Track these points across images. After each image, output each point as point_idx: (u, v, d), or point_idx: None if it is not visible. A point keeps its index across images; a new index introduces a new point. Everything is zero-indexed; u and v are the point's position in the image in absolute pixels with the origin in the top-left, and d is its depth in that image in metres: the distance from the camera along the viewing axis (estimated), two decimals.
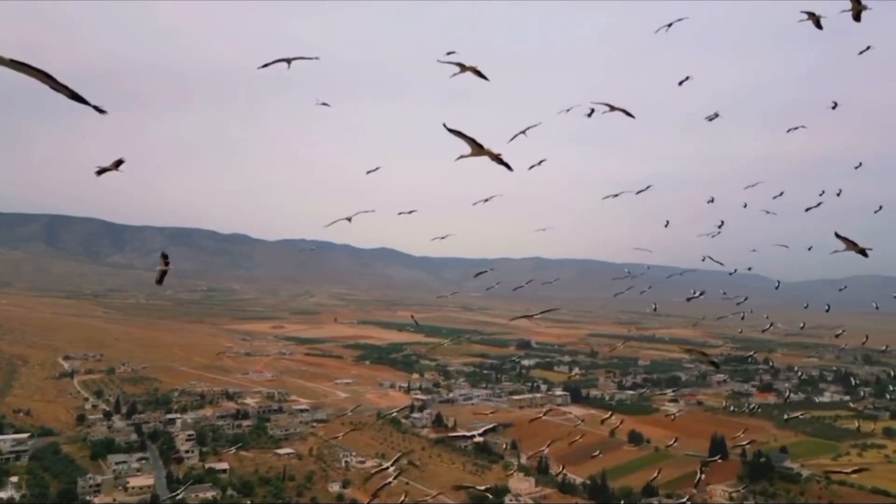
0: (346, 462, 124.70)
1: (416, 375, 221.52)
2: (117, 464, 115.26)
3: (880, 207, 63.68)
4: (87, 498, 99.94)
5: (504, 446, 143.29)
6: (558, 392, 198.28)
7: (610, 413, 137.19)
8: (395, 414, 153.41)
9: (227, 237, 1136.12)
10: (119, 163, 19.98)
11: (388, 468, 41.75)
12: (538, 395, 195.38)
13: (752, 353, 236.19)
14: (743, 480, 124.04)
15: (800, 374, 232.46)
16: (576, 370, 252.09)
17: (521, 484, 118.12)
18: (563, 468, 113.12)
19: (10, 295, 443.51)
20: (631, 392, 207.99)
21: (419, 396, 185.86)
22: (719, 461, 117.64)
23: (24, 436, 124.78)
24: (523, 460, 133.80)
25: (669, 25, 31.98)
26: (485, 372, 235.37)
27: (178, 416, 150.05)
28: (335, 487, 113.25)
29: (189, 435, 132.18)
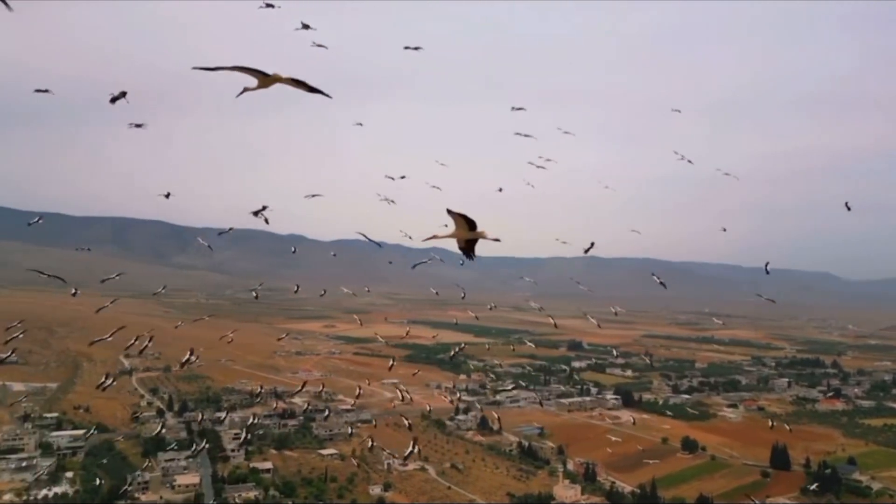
0: (388, 464, 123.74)
1: (462, 376, 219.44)
2: (167, 461, 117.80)
3: None
4: (136, 495, 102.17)
5: (551, 451, 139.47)
6: (609, 396, 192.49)
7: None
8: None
9: (283, 238, 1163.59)
10: (123, 94, 24.24)
11: (409, 454, 38.91)
12: (588, 398, 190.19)
13: (817, 356, 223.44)
14: (807, 493, 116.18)
15: (871, 378, 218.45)
16: (628, 372, 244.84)
17: (566, 491, 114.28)
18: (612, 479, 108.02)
19: (81, 294, 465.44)
20: (687, 396, 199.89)
21: (465, 398, 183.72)
22: (781, 472, 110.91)
23: (81, 432, 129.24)
24: (570, 466, 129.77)
25: None
26: (533, 374, 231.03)
27: (228, 414, 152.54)
28: (376, 490, 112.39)
29: (236, 434, 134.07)
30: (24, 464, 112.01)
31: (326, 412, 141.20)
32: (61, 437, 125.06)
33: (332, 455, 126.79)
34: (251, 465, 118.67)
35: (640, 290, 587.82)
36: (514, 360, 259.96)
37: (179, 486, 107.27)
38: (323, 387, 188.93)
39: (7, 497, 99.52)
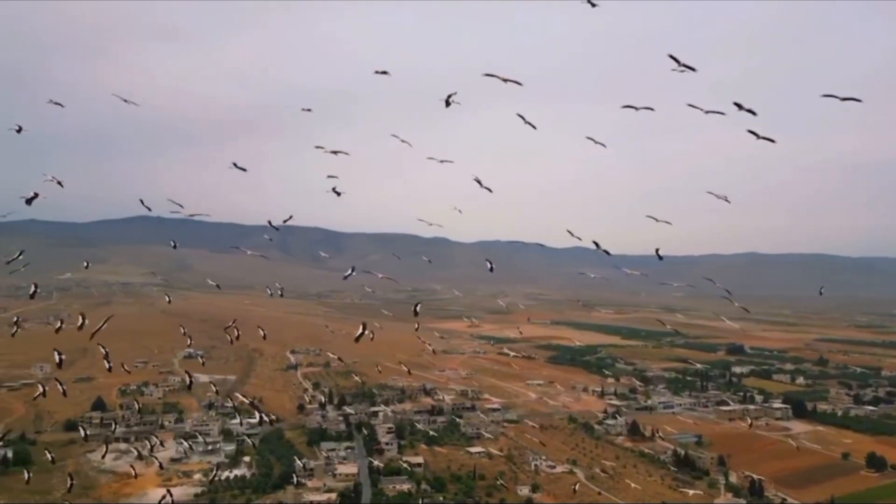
0: (535, 465, 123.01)
1: (610, 379, 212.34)
2: (328, 451, 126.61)
3: None
4: (302, 481, 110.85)
5: (710, 461, 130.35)
6: (777, 404, 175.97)
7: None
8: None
9: (427, 241, 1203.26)
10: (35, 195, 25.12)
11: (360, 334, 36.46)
12: (752, 406, 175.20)
13: None
14: None
15: None
16: (799, 379, 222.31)
17: None
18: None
19: (252, 296, 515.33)
20: (871, 408, 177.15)
21: (613, 402, 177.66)
22: None
23: (256, 420, 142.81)
24: (733, 479, 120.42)
25: None
26: (688, 379, 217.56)
27: (381, 409, 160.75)
28: (524, 491, 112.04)
29: (389, 428, 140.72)
30: (209, 447, 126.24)
31: (474, 410, 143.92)
32: (240, 425, 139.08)
33: (479, 453, 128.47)
34: (404, 458, 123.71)
35: (810, 290, 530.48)
36: (667, 364, 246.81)
37: (340, 474, 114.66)
38: (469, 386, 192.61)
39: (197, 476, 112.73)
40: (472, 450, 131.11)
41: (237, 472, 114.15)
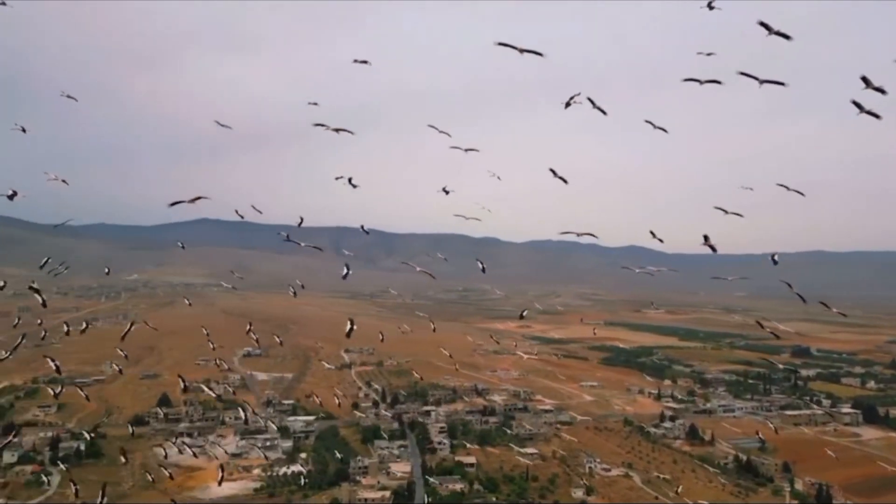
0: (589, 468, 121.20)
1: (667, 382, 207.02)
2: (382, 449, 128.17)
3: None
4: (357, 478, 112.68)
5: (774, 468, 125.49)
6: (846, 409, 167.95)
7: None
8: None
9: (478, 241, 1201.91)
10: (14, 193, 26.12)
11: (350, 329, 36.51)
12: (819, 411, 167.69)
13: None
14: None
15: None
16: (870, 383, 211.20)
17: None
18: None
19: (308, 296, 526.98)
20: None
21: (670, 405, 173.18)
22: None
23: (312, 418, 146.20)
24: (798, 486, 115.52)
25: None
26: (750, 382, 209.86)
27: (433, 408, 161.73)
28: (578, 493, 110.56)
29: (441, 427, 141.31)
30: (268, 443, 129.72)
31: (526, 411, 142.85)
32: (296, 422, 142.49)
33: (532, 454, 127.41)
34: (456, 458, 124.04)
35: (882, 289, 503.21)
36: (727, 367, 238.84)
37: (393, 472, 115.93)
38: (521, 387, 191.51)
39: (256, 472, 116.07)
40: (525, 451, 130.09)
41: (294, 468, 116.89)
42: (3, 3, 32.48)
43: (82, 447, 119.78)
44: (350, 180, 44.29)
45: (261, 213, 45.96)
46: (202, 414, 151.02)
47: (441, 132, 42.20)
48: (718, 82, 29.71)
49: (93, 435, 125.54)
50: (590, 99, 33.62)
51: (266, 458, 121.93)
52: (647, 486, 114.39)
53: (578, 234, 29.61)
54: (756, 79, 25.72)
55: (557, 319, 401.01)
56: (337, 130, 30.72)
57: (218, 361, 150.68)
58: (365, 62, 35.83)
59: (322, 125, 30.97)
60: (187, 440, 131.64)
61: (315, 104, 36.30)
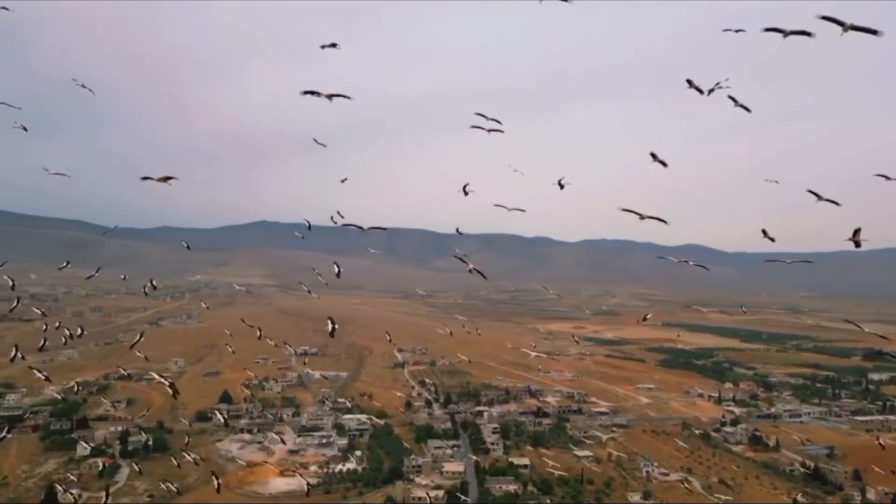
0: (647, 472, 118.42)
1: (728, 385, 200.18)
2: (435, 448, 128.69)
3: None
4: (410, 476, 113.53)
5: (844, 475, 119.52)
6: None
7: None
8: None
9: (530, 240, 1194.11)
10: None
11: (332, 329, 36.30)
12: (893, 417, 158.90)
13: None
14: None
15: None
16: None
17: None
18: None
19: (361, 296, 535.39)
20: None
21: (732, 408, 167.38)
22: None
23: (366, 417, 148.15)
24: (870, 495, 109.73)
25: None
26: (818, 385, 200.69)
27: (486, 408, 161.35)
28: (635, 497, 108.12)
29: (494, 428, 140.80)
30: (324, 441, 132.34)
31: (581, 413, 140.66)
32: (351, 420, 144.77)
33: (587, 457, 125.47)
34: (509, 459, 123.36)
35: None
36: (792, 370, 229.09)
37: (447, 472, 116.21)
38: (575, 388, 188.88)
39: (312, 468, 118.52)
40: (580, 453, 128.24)
41: (349, 465, 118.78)
42: (5, 8, 34.68)
43: (150, 441, 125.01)
44: (465, 187, 43.95)
45: (343, 217, 46.95)
46: (261, 411, 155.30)
47: (490, 120, 41.60)
48: (807, 33, 25.52)
49: (166, 429, 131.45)
50: (731, 97, 31.74)
51: (322, 454, 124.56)
52: (707, 491, 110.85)
53: (642, 217, 27.87)
54: (841, 24, 22.91)
55: (612, 320, 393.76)
56: (330, 97, 30.12)
57: (275, 360, 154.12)
58: (334, 45, 35.31)
59: (313, 92, 30.27)
60: (247, 436, 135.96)
61: (333, 45, 35.27)
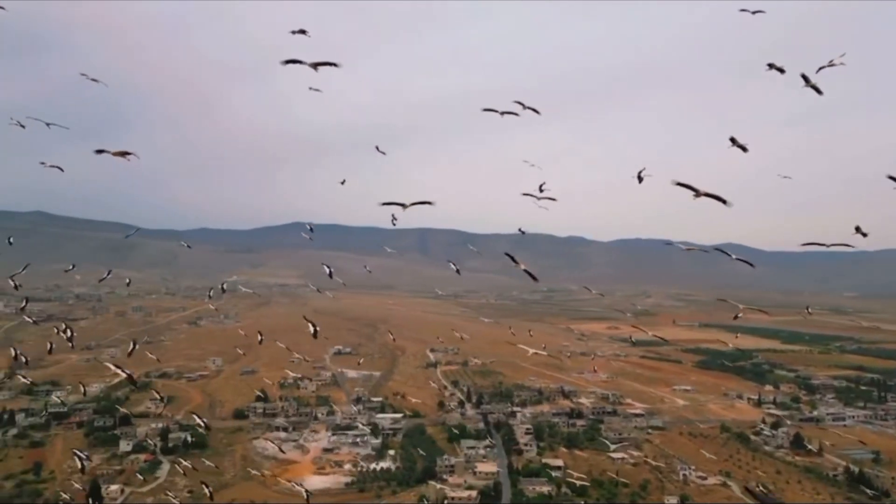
0: (684, 475, 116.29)
1: (768, 387, 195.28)
2: (468, 448, 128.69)
3: None
4: (443, 476, 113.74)
5: (891, 481, 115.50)
6: None
7: None
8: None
9: (563, 240, 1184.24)
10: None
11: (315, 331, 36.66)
12: None
13: None
14: None
15: None
16: None
17: None
18: None
19: (394, 296, 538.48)
20: None
21: (772, 411, 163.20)
22: None
23: (399, 416, 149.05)
24: None
25: None
26: (863, 388, 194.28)
27: (519, 409, 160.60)
28: (672, 501, 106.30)
29: (527, 429, 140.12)
30: (357, 440, 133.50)
31: (616, 414, 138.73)
32: (384, 419, 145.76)
33: (622, 459, 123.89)
34: (543, 460, 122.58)
35: None
36: (836, 372, 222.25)
37: (480, 472, 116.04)
38: (610, 390, 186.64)
39: (347, 467, 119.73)
40: (615, 455, 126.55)
41: (383, 464, 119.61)
42: (2, 8, 35.75)
43: (189, 438, 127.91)
44: (540, 187, 44.76)
45: (396, 220, 48.04)
46: (297, 409, 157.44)
47: (527, 108, 41.57)
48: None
49: (205, 427, 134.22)
50: (804, 75, 30.88)
51: (356, 453, 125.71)
52: (747, 496, 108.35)
53: (697, 194, 25.30)
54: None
55: (648, 321, 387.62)
56: (315, 66, 29.59)
57: (310, 359, 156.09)
58: (303, 32, 34.53)
59: (296, 61, 29.80)
60: (283, 434, 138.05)
61: (302, 32, 34.29)
